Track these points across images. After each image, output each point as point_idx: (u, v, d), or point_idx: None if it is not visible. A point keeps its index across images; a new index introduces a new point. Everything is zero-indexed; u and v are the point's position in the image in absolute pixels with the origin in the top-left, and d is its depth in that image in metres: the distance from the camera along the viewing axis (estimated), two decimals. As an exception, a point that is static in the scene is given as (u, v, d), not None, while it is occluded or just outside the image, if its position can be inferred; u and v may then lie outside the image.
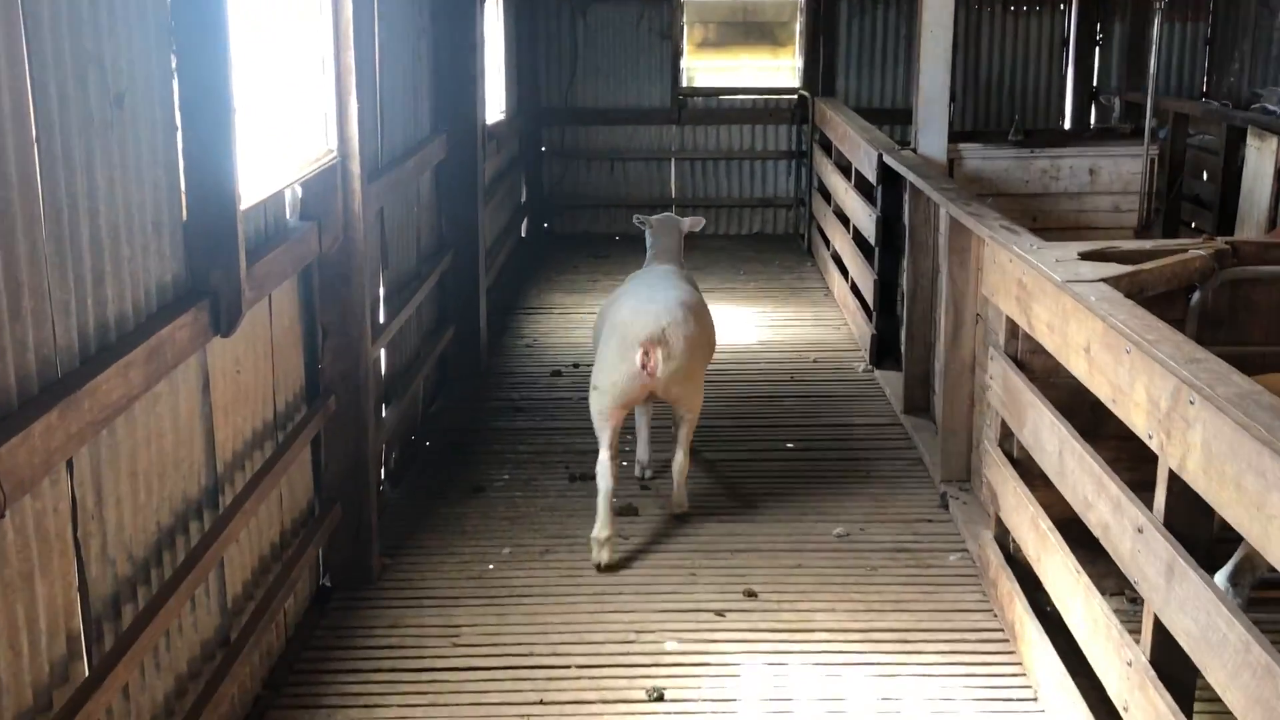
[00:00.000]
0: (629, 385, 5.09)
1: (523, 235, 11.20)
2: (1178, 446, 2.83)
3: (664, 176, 11.90)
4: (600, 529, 4.99)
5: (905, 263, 6.95)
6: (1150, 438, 3.00)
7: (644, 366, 5.06)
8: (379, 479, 5.14)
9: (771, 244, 11.48)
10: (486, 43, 7.82)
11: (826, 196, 9.97)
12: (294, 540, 4.32)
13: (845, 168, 9.13)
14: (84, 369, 2.71)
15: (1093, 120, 11.83)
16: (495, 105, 9.53)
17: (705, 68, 11.88)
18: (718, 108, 11.82)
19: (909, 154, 7.00)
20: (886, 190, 7.19)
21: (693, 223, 6.17)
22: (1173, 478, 2.89)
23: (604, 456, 5.06)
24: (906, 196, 6.94)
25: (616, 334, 5.14)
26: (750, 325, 8.57)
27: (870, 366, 7.43)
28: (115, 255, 2.92)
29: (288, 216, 4.22)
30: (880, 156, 7.15)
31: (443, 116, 6.93)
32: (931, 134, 6.99)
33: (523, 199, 11.34)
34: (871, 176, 7.51)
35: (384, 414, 5.50)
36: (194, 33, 3.14)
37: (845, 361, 7.67)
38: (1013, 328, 4.32)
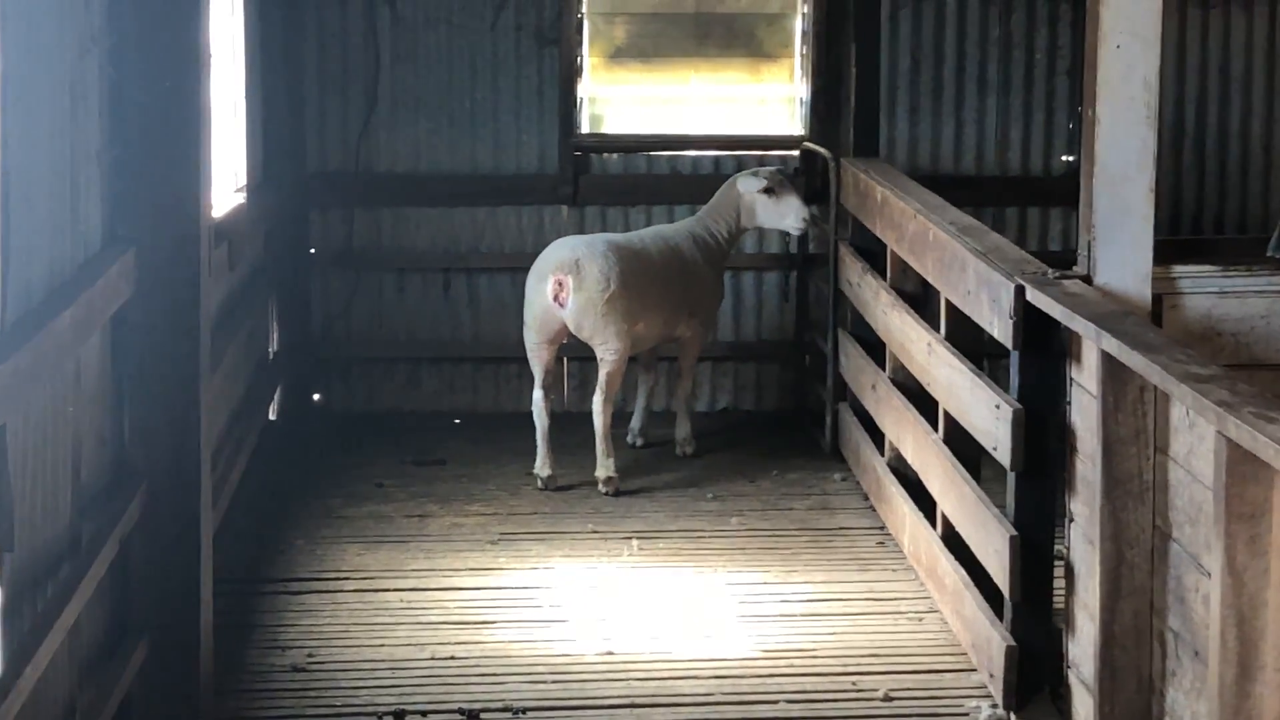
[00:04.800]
0: (543, 317, 9.64)
1: (272, 417, 11.27)
2: None
3: (548, 302, 11.92)
4: (540, 466, 9.85)
5: (1076, 507, 6.80)
6: None
7: (555, 298, 9.50)
8: None
9: (760, 434, 11.53)
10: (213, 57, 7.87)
11: (868, 344, 10.01)
12: None
13: (916, 298, 9.13)
14: None
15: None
16: (226, 177, 9.72)
17: (625, 98, 12.25)
18: (648, 174, 11.91)
19: (1078, 285, 6.88)
20: (1031, 356, 7.00)
21: (753, 185, 10.45)
22: None
23: (536, 393, 9.88)
24: (1077, 373, 6.75)
25: (535, 268, 9.77)
26: (735, 613, 8.40)
27: (1004, 711, 7.20)
28: None
29: None
30: (1020, 290, 6.94)
31: (128, 211, 6.80)
32: (1121, 246, 6.98)
33: (272, 349, 11.40)
34: (995, 328, 7.30)
35: None
36: None
37: (948, 698, 7.51)
38: None
